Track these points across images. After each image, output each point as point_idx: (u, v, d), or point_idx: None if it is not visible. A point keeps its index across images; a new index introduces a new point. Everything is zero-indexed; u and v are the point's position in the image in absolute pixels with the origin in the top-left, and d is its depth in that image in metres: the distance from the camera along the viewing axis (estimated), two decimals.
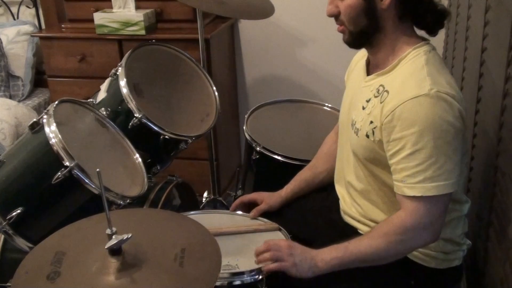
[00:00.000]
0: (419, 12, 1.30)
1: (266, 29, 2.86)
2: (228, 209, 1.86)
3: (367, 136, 1.33)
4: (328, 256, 1.32)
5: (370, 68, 1.42)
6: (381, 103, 1.30)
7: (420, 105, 1.22)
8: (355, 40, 1.35)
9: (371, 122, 1.32)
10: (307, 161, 1.74)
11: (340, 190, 1.55)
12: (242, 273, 1.35)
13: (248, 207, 1.67)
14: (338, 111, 2.12)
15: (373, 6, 1.28)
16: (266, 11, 2.25)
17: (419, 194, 1.24)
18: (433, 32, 1.35)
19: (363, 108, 1.36)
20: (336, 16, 1.34)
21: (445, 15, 1.33)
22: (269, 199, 1.64)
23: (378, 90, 1.32)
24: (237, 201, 1.68)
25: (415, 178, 1.24)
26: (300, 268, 1.31)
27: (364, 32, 1.32)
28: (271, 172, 1.94)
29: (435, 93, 1.21)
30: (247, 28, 2.90)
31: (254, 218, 1.61)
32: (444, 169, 1.23)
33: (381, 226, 1.33)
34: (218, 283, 1.33)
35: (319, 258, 1.32)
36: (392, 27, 1.31)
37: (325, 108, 2.22)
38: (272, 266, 1.33)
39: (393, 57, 1.33)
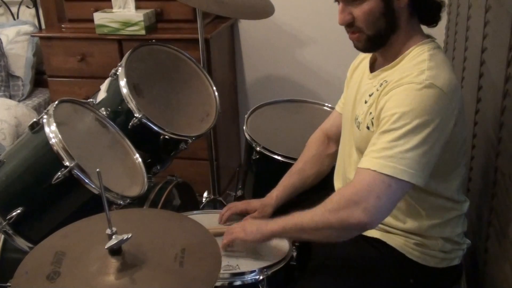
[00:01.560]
0: (427, 6, 1.31)
1: (266, 29, 2.86)
2: None
3: (368, 128, 1.34)
4: (276, 220, 1.37)
5: (376, 65, 1.43)
6: (380, 93, 1.31)
7: (410, 90, 1.22)
8: (372, 44, 1.33)
9: (370, 113, 1.33)
10: None
11: (338, 187, 1.55)
12: (242, 273, 1.35)
13: (239, 216, 1.64)
14: None
15: (391, 6, 1.28)
16: (266, 11, 2.25)
17: (373, 168, 1.22)
18: (434, 24, 1.36)
19: (365, 102, 1.37)
20: (350, 23, 1.31)
21: (441, 5, 1.34)
22: (261, 209, 1.61)
23: (381, 84, 1.33)
24: (228, 213, 1.62)
25: (379, 153, 1.23)
26: (248, 230, 1.40)
27: (381, 35, 1.31)
28: (271, 172, 1.94)
29: (428, 83, 1.22)
30: (247, 28, 2.91)
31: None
32: (408, 155, 1.20)
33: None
34: (218, 284, 1.34)
35: (268, 222, 1.39)
36: (405, 24, 1.32)
37: (325, 108, 2.22)
38: (224, 241, 1.42)
39: (400, 53, 1.34)
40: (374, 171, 1.21)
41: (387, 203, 1.22)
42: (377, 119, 1.29)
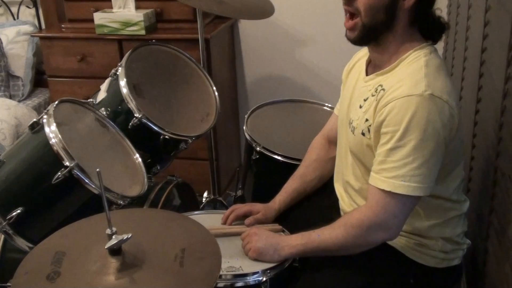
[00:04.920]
0: (428, 21, 1.32)
1: (266, 29, 2.86)
2: (228, 209, 1.86)
3: (363, 134, 1.34)
4: (294, 242, 1.39)
5: (370, 68, 1.43)
6: (376, 100, 1.31)
7: (411, 104, 1.22)
8: (365, 35, 1.32)
9: (367, 120, 1.33)
10: None
11: (339, 189, 1.56)
12: (245, 274, 1.35)
13: (242, 218, 1.64)
14: None
15: (395, 4, 1.27)
16: (266, 11, 2.25)
17: (388, 189, 1.26)
18: (433, 42, 1.36)
19: (360, 107, 1.37)
20: (350, 3, 1.30)
21: (445, 28, 1.35)
22: (265, 210, 1.62)
23: (376, 89, 1.33)
24: (232, 216, 1.61)
25: (390, 173, 1.25)
26: (266, 253, 1.40)
27: (376, 28, 1.30)
28: (271, 172, 1.94)
29: (428, 95, 1.22)
30: (247, 28, 2.90)
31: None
32: (419, 171, 1.23)
33: (344, 217, 1.39)
34: (221, 285, 1.34)
35: (285, 243, 1.40)
36: (402, 30, 1.31)
37: (325, 108, 2.22)
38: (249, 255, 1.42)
39: (395, 58, 1.33)
40: (389, 191, 1.26)
41: (403, 218, 1.30)
42: (376, 130, 1.29)
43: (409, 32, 1.33)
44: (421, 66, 1.28)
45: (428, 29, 1.34)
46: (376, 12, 1.28)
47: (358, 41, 1.35)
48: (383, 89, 1.30)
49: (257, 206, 1.64)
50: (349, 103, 1.45)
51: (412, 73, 1.28)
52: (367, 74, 1.41)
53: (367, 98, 1.35)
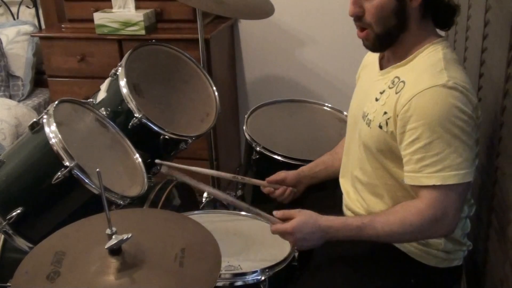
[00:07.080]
0: (440, 10, 1.31)
1: (266, 29, 2.86)
2: (228, 209, 1.86)
3: (380, 127, 1.33)
4: (341, 234, 1.33)
5: (384, 62, 1.42)
6: (396, 93, 1.29)
7: (437, 94, 1.22)
8: (381, 43, 1.33)
9: (385, 112, 1.31)
10: (308, 161, 1.74)
11: (345, 184, 1.55)
12: (244, 273, 1.35)
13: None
14: (338, 111, 2.14)
15: (403, 6, 1.27)
16: (266, 11, 2.25)
17: (438, 183, 1.23)
18: (446, 28, 1.37)
19: (377, 100, 1.36)
20: (359, 17, 1.31)
21: (456, 11, 1.34)
22: (285, 172, 1.65)
23: (393, 81, 1.32)
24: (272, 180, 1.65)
25: (434, 167, 1.23)
26: (311, 242, 1.35)
27: (390, 33, 1.30)
28: (271, 172, 1.93)
29: (452, 84, 1.22)
30: (247, 28, 2.90)
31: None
32: (463, 157, 1.23)
33: (398, 212, 1.30)
34: (220, 284, 1.34)
35: (331, 234, 1.33)
36: (415, 25, 1.31)
37: (325, 108, 2.22)
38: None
39: (412, 51, 1.33)
40: (440, 185, 1.23)
41: (461, 207, 1.29)
42: (402, 125, 1.26)
43: (423, 25, 1.32)
44: (440, 59, 1.28)
45: (441, 17, 1.33)
46: (386, 19, 1.28)
47: (376, 49, 1.37)
48: (402, 82, 1.30)
49: (278, 174, 1.66)
50: (364, 97, 1.43)
51: (432, 65, 1.27)
52: (381, 68, 1.41)
53: (383, 91, 1.34)
